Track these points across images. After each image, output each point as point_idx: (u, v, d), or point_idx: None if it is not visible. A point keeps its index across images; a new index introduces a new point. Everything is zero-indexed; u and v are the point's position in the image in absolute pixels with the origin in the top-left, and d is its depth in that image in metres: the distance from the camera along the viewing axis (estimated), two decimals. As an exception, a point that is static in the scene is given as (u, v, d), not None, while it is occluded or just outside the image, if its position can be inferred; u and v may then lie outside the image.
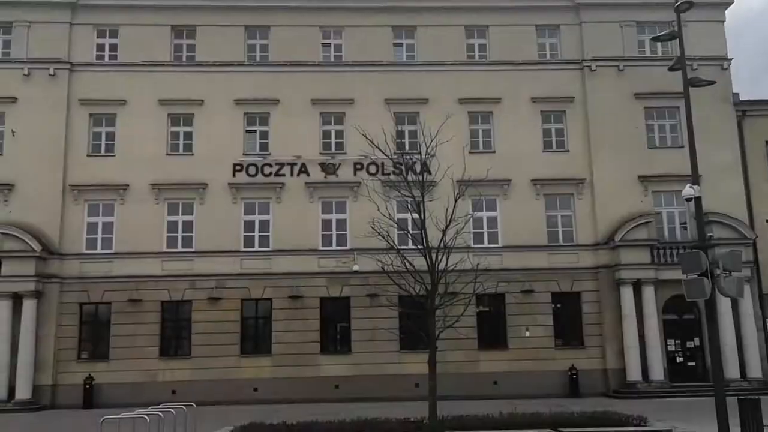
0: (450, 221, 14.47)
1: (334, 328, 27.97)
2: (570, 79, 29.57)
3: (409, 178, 15.10)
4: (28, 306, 26.04)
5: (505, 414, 13.29)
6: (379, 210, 15.73)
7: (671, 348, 27.65)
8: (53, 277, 26.82)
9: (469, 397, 24.53)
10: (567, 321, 28.11)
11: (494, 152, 28.70)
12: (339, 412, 17.30)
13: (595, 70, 29.39)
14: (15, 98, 28.00)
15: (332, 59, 29.64)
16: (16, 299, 26.07)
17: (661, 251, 27.59)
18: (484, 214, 27.98)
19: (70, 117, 28.22)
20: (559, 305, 28.06)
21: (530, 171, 28.60)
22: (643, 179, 28.48)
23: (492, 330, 27.77)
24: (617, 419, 12.76)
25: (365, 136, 16.51)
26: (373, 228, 14.81)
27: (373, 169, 27.90)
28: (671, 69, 17.38)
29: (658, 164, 28.44)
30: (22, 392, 25.44)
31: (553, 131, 29.44)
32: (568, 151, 29.18)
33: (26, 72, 28.23)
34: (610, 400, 24.78)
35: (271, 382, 26.52)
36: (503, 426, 12.46)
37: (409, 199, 14.78)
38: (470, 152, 26.54)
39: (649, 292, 27.09)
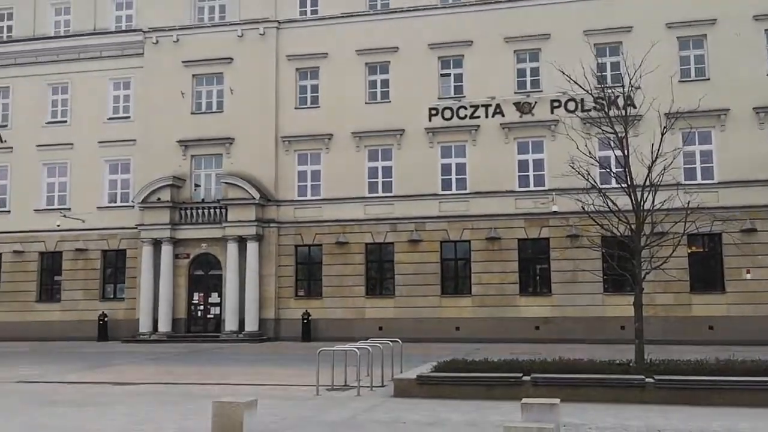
0: (657, 157, 13.55)
1: (533, 269, 27.80)
2: (802, -10, 25.95)
3: (611, 113, 14.28)
4: (251, 248, 28.82)
5: (721, 360, 12.45)
6: (578, 148, 15.09)
7: None
8: (271, 222, 29.35)
9: (679, 342, 23.33)
10: (796, 263, 25.50)
11: (708, 80, 26.25)
12: (540, 352, 17.28)
13: (833, -24, 25.49)
14: (231, 59, 30.48)
15: (525, -7, 28.61)
16: (241, 242, 28.95)
17: None
18: (697, 148, 25.90)
19: (279, 72, 30.19)
20: (786, 245, 25.47)
21: (752, 98, 25.79)
22: None
23: (707, 272, 26.01)
24: None
25: (562, 71, 15.85)
26: (572, 167, 14.26)
27: (571, 105, 26.76)
28: None
29: None
30: (250, 325, 28.46)
31: (780, 52, 26.21)
32: (798, 73, 25.85)
33: (239, 33, 30.52)
34: None
35: (472, 321, 27.11)
36: (718, 372, 11.66)
37: (612, 136, 14.02)
38: (680, 81, 24.57)
39: None
